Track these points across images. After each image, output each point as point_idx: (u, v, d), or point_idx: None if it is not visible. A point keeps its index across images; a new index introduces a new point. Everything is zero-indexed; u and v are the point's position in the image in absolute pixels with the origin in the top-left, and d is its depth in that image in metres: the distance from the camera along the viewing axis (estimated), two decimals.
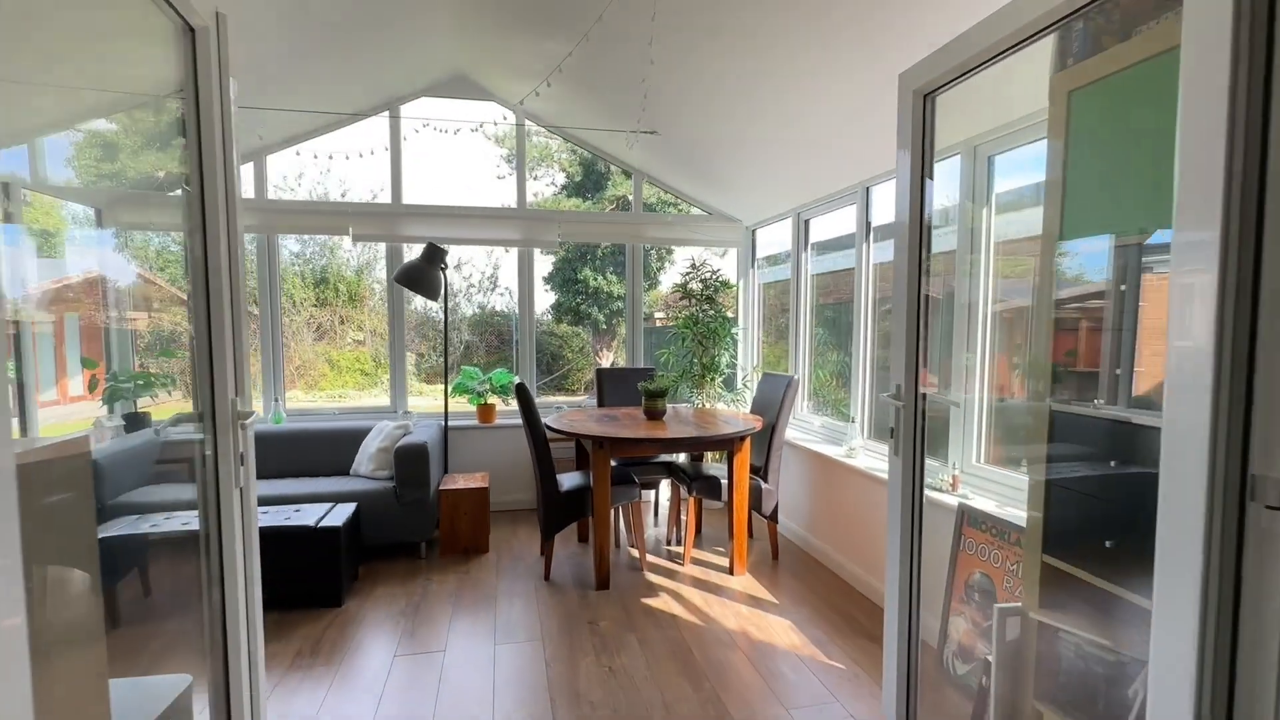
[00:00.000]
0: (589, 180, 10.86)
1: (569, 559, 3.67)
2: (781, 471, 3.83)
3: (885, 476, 2.94)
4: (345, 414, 4.55)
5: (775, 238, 4.86)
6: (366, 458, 3.83)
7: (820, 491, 3.62)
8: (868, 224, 3.47)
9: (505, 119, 4.59)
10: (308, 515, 3.09)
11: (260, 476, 3.87)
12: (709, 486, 3.50)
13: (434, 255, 4.03)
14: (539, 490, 3.34)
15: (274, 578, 2.93)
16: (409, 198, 4.51)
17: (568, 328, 13.25)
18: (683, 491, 3.71)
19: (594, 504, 3.18)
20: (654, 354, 5.05)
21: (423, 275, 3.99)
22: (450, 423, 4.51)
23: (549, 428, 3.32)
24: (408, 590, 3.22)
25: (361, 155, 4.23)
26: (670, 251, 13.78)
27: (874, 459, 3.31)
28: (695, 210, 4.96)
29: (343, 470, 3.99)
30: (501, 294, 13.56)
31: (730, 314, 4.80)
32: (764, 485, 3.53)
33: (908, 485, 1.82)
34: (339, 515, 3.13)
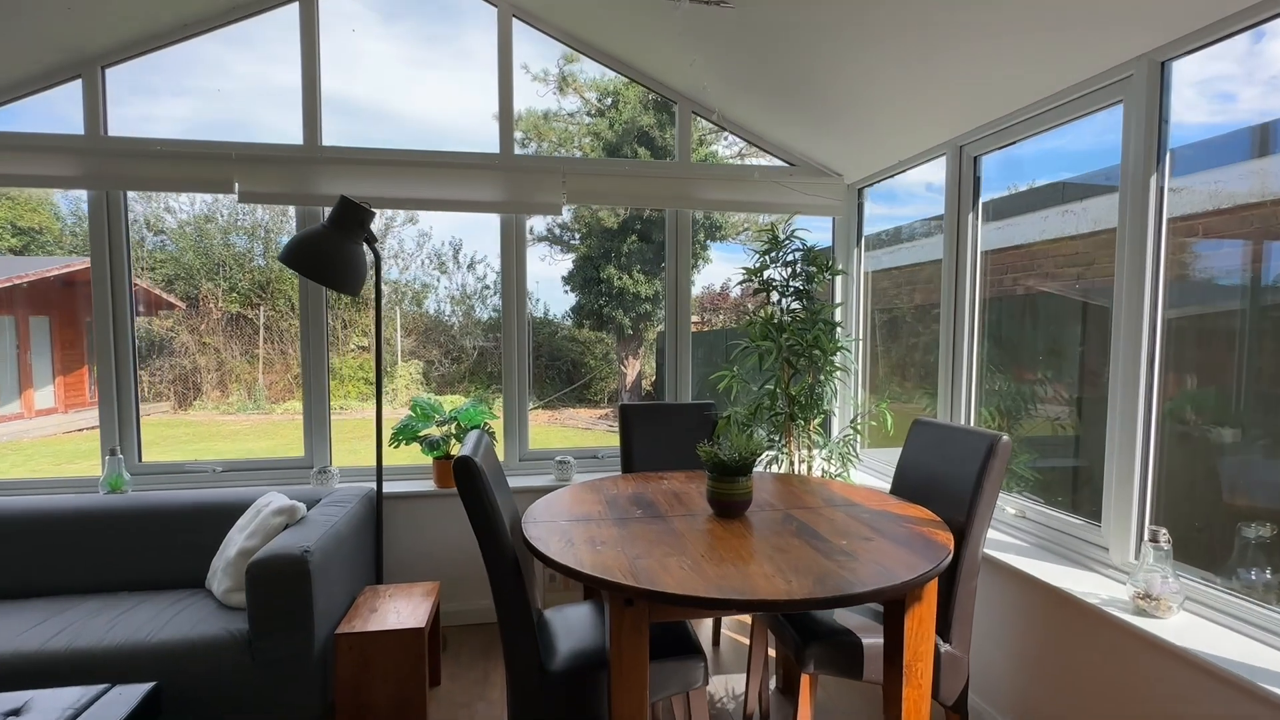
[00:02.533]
0: None
1: None
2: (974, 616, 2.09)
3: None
4: (235, 470, 2.95)
5: (895, 200, 3.16)
6: (223, 565, 2.21)
7: (1063, 661, 1.89)
8: (1160, 138, 1.75)
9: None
10: None
11: (42, 593, 2.28)
12: (839, 657, 1.80)
13: (349, 219, 2.41)
14: (506, 663, 1.68)
15: None
16: (333, 137, 2.91)
17: (590, 333, 11.68)
18: (771, 641, 2.02)
19: (614, 711, 1.51)
20: (705, 377, 3.38)
21: (330, 251, 2.37)
22: (393, 486, 2.88)
23: (532, 549, 1.65)
24: None
25: None
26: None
27: (1214, 627, 1.59)
28: (764, 160, 3.27)
29: (199, 578, 2.39)
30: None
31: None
32: (944, 647, 1.82)
33: None
34: None
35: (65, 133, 2.70)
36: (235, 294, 11.22)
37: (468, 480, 1.57)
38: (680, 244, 3.20)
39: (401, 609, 2.22)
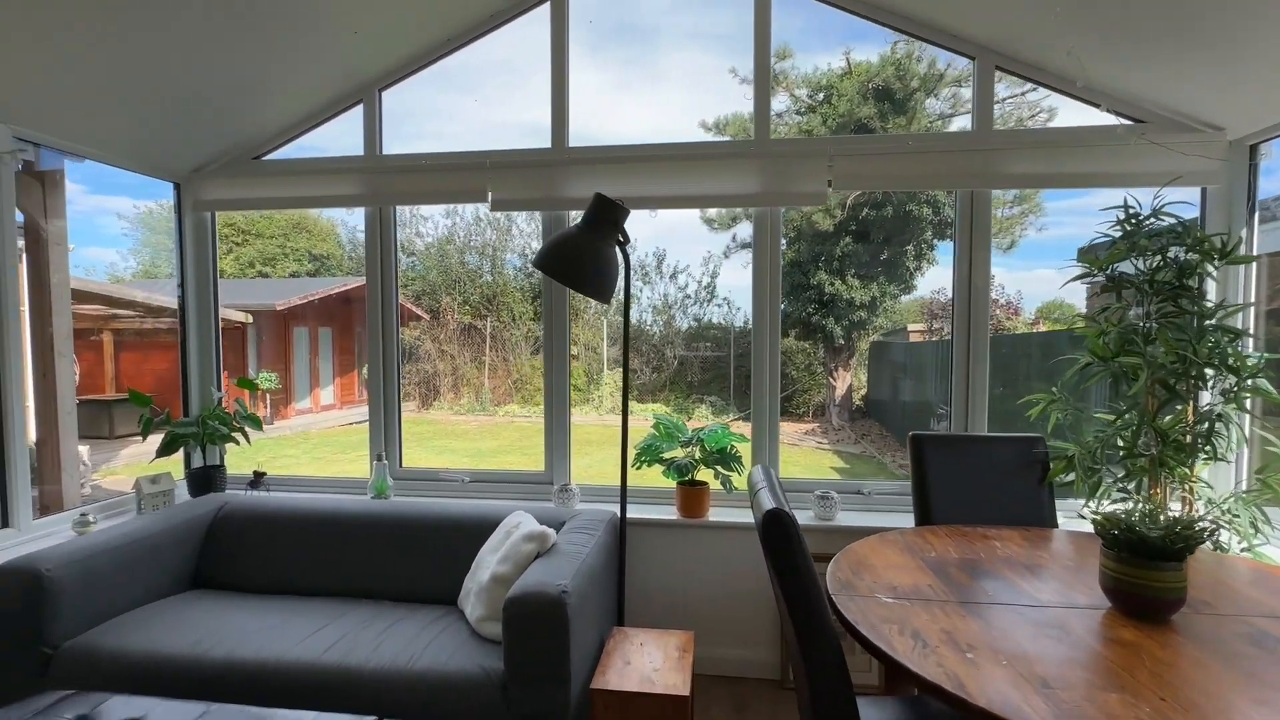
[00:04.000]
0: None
1: None
2: None
3: None
4: (481, 481, 2.92)
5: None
6: (476, 588, 2.09)
7: None
8: None
9: None
10: None
11: (320, 593, 2.35)
12: None
13: (604, 218, 2.19)
14: None
15: None
16: (580, 138, 2.76)
17: (793, 342, 10.98)
18: None
19: None
20: (1001, 399, 2.66)
21: (586, 254, 2.17)
22: (632, 511, 2.63)
23: (873, 649, 1.21)
24: None
25: None
26: (931, 246, 10.91)
27: None
28: (1090, 118, 2.48)
29: (450, 595, 2.31)
30: (719, 305, 11.73)
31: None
32: None
33: None
34: None
35: (349, 155, 2.88)
36: (467, 306, 12.43)
37: (784, 543, 1.17)
38: (976, 233, 2.55)
39: (657, 663, 1.91)
